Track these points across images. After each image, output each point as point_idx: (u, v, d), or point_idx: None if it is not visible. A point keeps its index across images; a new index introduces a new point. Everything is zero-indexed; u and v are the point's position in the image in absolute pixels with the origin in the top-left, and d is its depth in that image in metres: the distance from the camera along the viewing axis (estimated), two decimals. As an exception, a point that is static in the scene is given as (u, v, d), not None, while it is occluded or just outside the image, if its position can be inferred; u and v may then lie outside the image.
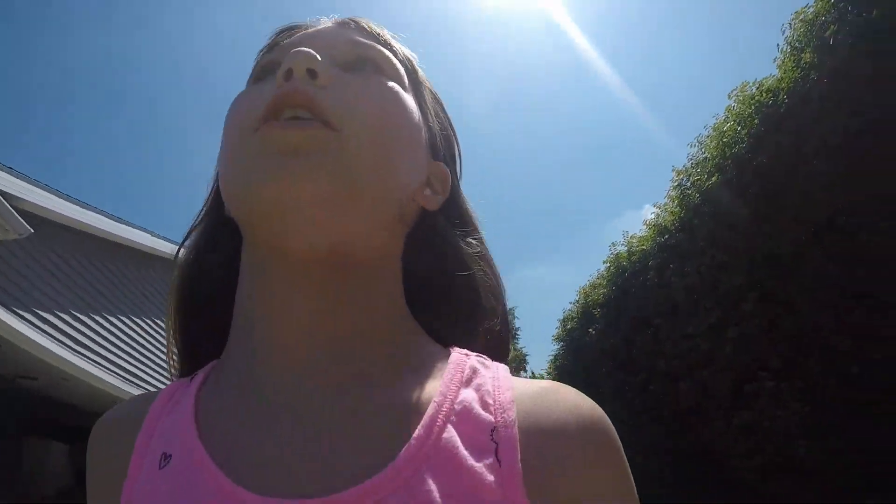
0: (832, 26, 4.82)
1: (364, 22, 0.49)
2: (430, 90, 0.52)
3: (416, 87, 0.49)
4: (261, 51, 0.50)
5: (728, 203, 5.59)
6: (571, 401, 0.40)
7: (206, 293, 0.49)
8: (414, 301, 0.47)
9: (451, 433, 0.37)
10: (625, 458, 0.39)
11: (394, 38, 0.50)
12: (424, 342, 0.45)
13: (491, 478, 0.35)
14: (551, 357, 11.11)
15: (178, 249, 0.51)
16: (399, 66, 0.47)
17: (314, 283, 0.40)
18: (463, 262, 0.48)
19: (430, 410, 0.38)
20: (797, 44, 5.29)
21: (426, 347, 0.45)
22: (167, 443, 0.39)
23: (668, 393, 6.45)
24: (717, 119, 6.18)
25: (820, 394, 4.97)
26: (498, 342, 0.50)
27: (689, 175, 6.49)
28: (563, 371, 9.75)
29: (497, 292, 0.50)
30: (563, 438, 0.37)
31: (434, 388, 0.39)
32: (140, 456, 0.39)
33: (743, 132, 5.63)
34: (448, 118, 0.54)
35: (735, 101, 5.90)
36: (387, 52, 0.47)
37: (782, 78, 5.37)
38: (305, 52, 0.40)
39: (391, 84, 0.44)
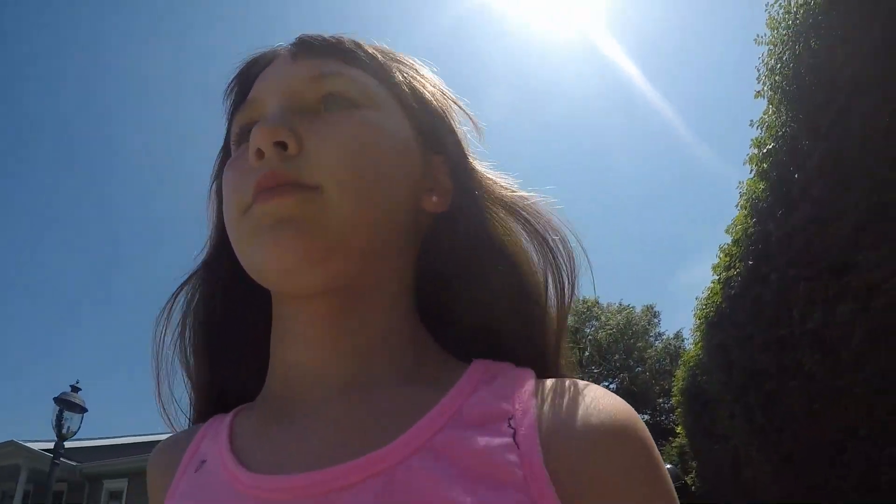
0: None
1: (315, 40, 0.48)
2: (412, 71, 0.51)
3: (390, 83, 0.48)
4: (228, 90, 0.52)
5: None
6: (596, 398, 0.39)
7: (227, 323, 0.53)
8: (451, 309, 0.49)
9: (460, 423, 0.38)
10: (653, 456, 0.38)
11: (351, 38, 0.49)
12: (438, 354, 0.47)
13: (511, 458, 0.35)
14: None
15: (179, 290, 0.53)
16: (366, 79, 0.47)
17: (320, 314, 0.44)
18: (489, 257, 0.47)
19: (438, 405, 0.39)
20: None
21: (443, 360, 0.46)
22: (204, 455, 0.46)
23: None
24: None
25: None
26: (539, 334, 0.47)
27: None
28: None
29: (528, 270, 0.48)
30: (584, 436, 0.37)
31: (446, 388, 0.41)
32: (184, 469, 0.46)
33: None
34: (441, 92, 0.51)
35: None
36: (349, 73, 0.46)
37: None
38: (268, 129, 0.41)
39: (362, 115, 0.44)
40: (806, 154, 4.27)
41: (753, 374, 4.98)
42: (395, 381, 0.43)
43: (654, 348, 27.56)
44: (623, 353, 27.27)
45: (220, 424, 0.48)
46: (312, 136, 0.42)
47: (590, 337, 27.63)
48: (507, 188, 0.50)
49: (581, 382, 0.41)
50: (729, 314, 5.62)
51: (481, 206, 0.48)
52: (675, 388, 9.62)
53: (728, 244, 5.84)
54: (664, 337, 28.60)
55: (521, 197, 0.50)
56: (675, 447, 14.85)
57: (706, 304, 6.48)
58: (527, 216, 0.49)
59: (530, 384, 0.41)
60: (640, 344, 27.27)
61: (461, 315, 0.48)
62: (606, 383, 27.45)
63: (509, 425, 0.37)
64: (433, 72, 0.52)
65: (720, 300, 5.99)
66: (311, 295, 0.43)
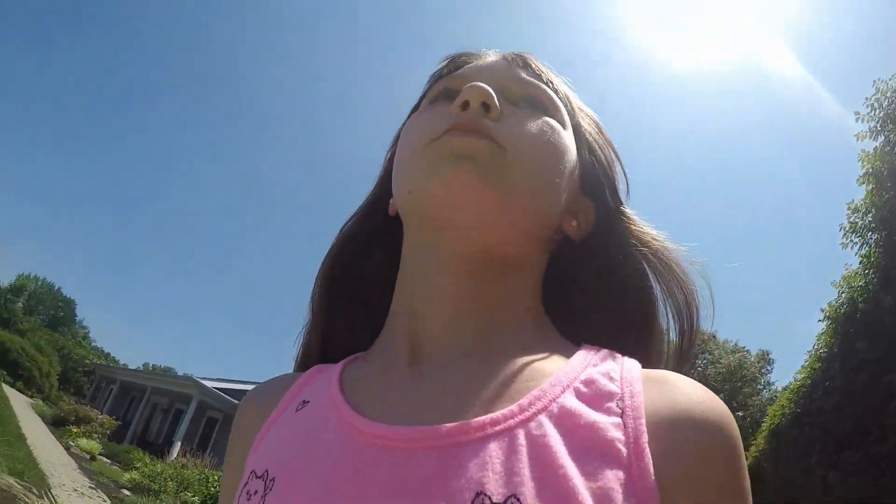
0: None
1: (530, 59, 0.53)
2: (592, 124, 0.56)
3: (575, 125, 0.53)
4: (433, 74, 0.57)
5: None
6: (697, 392, 0.40)
7: (357, 279, 0.56)
8: (572, 311, 0.53)
9: (573, 395, 0.39)
10: (742, 457, 0.39)
11: (556, 76, 0.54)
12: (558, 338, 0.49)
13: (617, 435, 0.37)
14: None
15: (337, 240, 0.58)
16: (560, 104, 0.52)
17: (464, 275, 0.46)
18: (610, 287, 0.51)
19: (554, 377, 0.41)
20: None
21: (559, 341, 0.49)
22: (308, 396, 0.47)
23: None
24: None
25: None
26: (652, 351, 0.50)
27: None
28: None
29: (647, 309, 0.51)
30: (685, 426, 0.38)
31: (561, 364, 0.43)
32: (281, 410, 0.48)
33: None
34: (609, 147, 0.56)
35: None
36: (549, 92, 0.52)
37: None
38: (481, 87, 0.45)
39: (552, 121, 0.49)
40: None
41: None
42: (518, 351, 0.44)
43: (760, 396, 26.65)
44: (728, 395, 27.53)
45: (327, 371, 0.50)
46: (511, 114, 0.48)
47: (699, 369, 28.07)
48: (653, 237, 0.52)
49: (683, 377, 0.42)
50: (796, 417, 8.02)
51: (620, 249, 0.52)
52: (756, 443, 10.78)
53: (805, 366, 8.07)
54: (773, 387, 28.18)
55: (663, 247, 0.52)
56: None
57: (786, 402, 8.63)
58: (662, 267, 0.51)
59: (637, 370, 0.43)
60: (746, 389, 26.62)
61: (577, 324, 0.52)
62: (705, 420, 27.86)
63: (617, 405, 0.39)
64: (601, 122, 0.57)
65: (791, 406, 8.11)
66: (462, 250, 0.46)
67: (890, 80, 6.15)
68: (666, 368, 0.47)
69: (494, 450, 0.36)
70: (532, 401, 0.39)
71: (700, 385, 0.41)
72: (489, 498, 0.33)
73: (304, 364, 0.57)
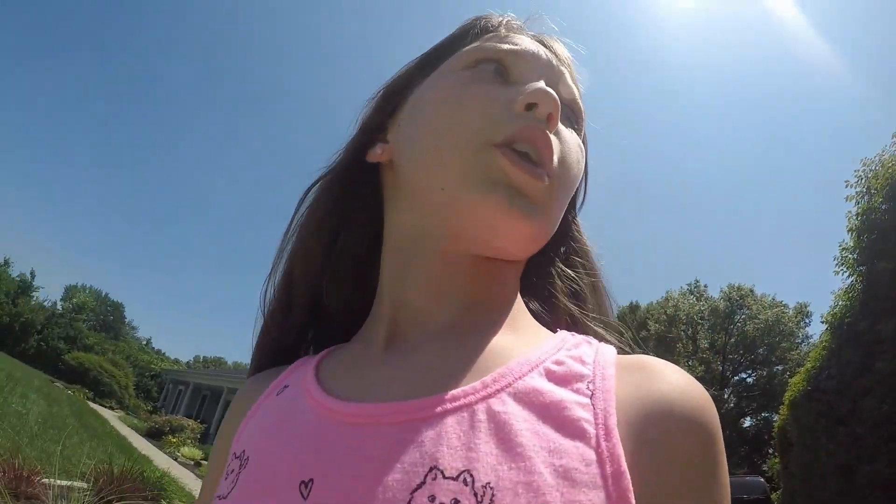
0: None
1: (571, 59, 0.54)
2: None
3: (583, 138, 0.55)
4: (479, 24, 0.54)
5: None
6: (674, 376, 0.40)
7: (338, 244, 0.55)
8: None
9: (541, 375, 0.40)
10: (719, 445, 0.38)
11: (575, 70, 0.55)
12: (534, 325, 0.50)
13: (585, 415, 0.37)
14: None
15: (308, 190, 0.56)
16: (584, 115, 0.54)
17: (460, 270, 0.48)
18: (563, 281, 0.55)
19: (522, 356, 0.42)
20: None
21: (535, 327, 0.50)
22: (289, 382, 0.50)
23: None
24: None
25: None
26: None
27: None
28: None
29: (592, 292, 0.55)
30: (660, 414, 0.37)
31: (533, 346, 0.44)
32: (267, 395, 0.50)
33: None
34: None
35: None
36: (580, 103, 0.53)
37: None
38: (553, 97, 0.45)
39: (580, 143, 0.51)
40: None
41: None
42: (490, 333, 0.45)
43: (798, 351, 27.55)
44: (767, 349, 28.06)
45: (309, 360, 0.52)
46: (561, 135, 0.48)
47: (738, 324, 28.76)
48: (588, 244, 0.58)
49: (661, 361, 0.42)
50: (808, 394, 9.93)
51: (572, 252, 0.57)
52: (785, 403, 12.14)
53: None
54: (811, 341, 27.36)
55: (591, 264, 0.57)
56: (775, 464, 17.22)
57: (800, 380, 10.70)
58: (583, 269, 0.56)
59: (612, 355, 0.43)
60: (784, 344, 27.93)
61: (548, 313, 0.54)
62: (745, 375, 29.01)
63: (588, 387, 0.39)
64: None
65: (804, 385, 10.25)
66: (469, 256, 0.47)
67: (874, 157, 8.40)
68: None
69: (452, 425, 0.36)
70: (497, 378, 0.39)
71: (680, 371, 0.41)
72: (441, 472, 0.34)
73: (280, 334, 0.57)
